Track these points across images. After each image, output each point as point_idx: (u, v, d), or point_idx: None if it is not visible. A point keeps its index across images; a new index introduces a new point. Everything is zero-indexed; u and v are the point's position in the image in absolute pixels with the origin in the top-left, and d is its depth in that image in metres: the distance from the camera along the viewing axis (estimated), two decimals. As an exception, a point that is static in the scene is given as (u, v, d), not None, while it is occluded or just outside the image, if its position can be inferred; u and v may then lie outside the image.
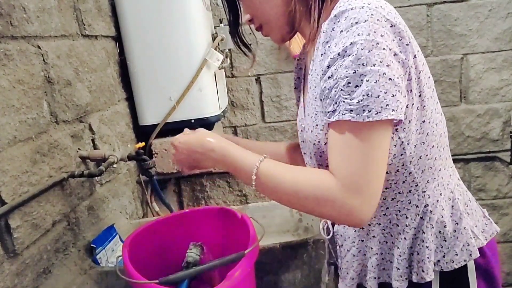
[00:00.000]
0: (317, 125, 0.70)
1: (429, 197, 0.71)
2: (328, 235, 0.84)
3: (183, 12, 1.39)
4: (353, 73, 0.59)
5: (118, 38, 1.44)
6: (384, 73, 0.59)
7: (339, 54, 0.61)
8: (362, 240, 0.77)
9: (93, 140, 1.17)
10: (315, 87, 0.70)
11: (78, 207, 1.06)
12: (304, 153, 0.83)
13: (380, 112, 0.59)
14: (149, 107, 1.47)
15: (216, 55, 1.44)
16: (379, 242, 0.75)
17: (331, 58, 0.62)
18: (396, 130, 0.65)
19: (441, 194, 0.72)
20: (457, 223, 0.72)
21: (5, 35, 0.84)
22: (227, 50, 1.61)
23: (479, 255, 0.72)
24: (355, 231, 0.78)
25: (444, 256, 0.72)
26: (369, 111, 0.59)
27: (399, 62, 0.61)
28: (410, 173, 0.69)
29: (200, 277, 0.88)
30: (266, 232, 0.85)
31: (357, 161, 0.61)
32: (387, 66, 0.59)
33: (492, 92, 1.85)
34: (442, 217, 0.72)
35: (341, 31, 0.61)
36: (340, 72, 0.61)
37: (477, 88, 1.85)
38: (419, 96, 0.66)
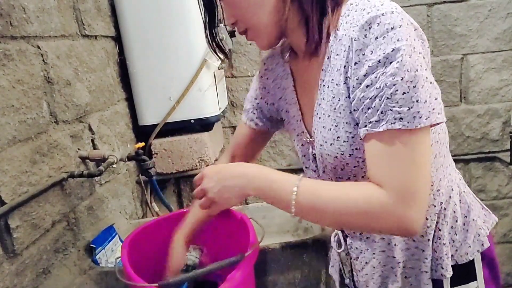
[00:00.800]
0: (338, 137, 0.67)
1: (443, 194, 0.72)
2: (339, 248, 0.82)
3: (183, 12, 1.39)
4: (401, 80, 0.57)
5: (117, 38, 1.44)
6: (426, 77, 0.59)
7: (379, 62, 0.58)
8: (384, 251, 0.75)
9: (92, 140, 1.17)
10: (333, 97, 0.67)
11: (78, 207, 1.06)
12: (305, 168, 0.81)
13: (429, 117, 0.58)
14: (149, 107, 1.47)
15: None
16: (401, 250, 0.74)
17: (369, 66, 0.60)
18: None
19: (452, 190, 0.73)
20: (466, 216, 0.74)
21: (5, 35, 0.84)
22: (227, 50, 1.61)
23: (489, 244, 0.74)
24: (375, 241, 0.75)
25: (457, 250, 0.73)
26: (420, 117, 0.58)
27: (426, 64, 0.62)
28: None
29: (200, 279, 0.88)
30: (266, 232, 0.85)
31: (409, 170, 0.59)
32: (426, 70, 0.59)
33: (492, 92, 1.85)
34: (454, 212, 0.73)
35: (376, 37, 0.59)
36: (384, 80, 0.58)
37: (477, 88, 1.85)
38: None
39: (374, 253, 0.76)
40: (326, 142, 0.70)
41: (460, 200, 0.74)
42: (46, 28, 0.99)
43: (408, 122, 0.58)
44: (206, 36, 0.81)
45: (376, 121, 0.60)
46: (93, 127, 1.17)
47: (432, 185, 0.70)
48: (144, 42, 1.41)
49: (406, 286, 0.76)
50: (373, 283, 0.78)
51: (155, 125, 1.47)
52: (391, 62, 0.58)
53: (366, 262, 0.78)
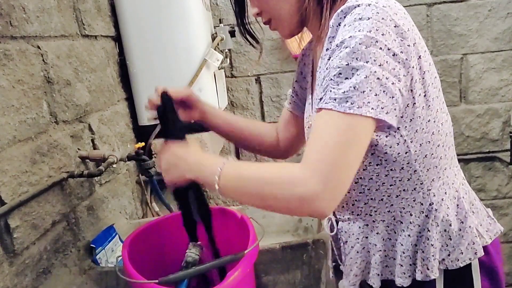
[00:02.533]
0: None
1: (434, 195, 0.72)
2: (332, 231, 0.84)
3: (183, 12, 1.39)
4: (346, 65, 0.60)
5: (117, 38, 1.44)
6: (375, 72, 0.59)
7: (337, 46, 0.62)
8: (366, 237, 0.77)
9: (92, 140, 1.17)
10: (321, 84, 0.70)
11: (78, 207, 1.06)
12: None
13: (361, 107, 0.59)
14: (149, 107, 1.47)
15: (215, 55, 1.44)
16: (383, 239, 0.76)
17: (331, 50, 0.64)
18: (398, 128, 0.66)
19: (446, 193, 0.73)
20: (462, 222, 0.73)
21: (5, 35, 0.84)
22: (226, 50, 1.62)
23: (484, 253, 0.73)
24: (359, 227, 0.78)
25: (449, 255, 0.72)
26: (351, 103, 0.59)
27: (399, 62, 0.62)
28: (415, 171, 0.70)
29: (200, 277, 0.88)
30: (266, 232, 0.85)
31: (329, 149, 0.60)
32: (379, 65, 0.60)
33: (491, 92, 1.86)
34: (448, 215, 0.72)
35: (345, 25, 0.62)
36: (334, 61, 0.62)
37: (476, 88, 1.85)
38: (424, 96, 0.67)
39: (358, 238, 0.78)
40: None
41: (457, 205, 0.73)
42: (46, 28, 0.99)
43: (339, 104, 0.60)
44: (238, 25, 0.86)
45: (320, 99, 0.64)
46: (93, 127, 1.17)
47: (421, 184, 0.71)
48: (144, 42, 1.41)
49: (386, 275, 0.77)
50: (356, 268, 0.79)
51: (155, 125, 1.47)
52: (345, 48, 0.60)
53: (352, 247, 0.79)
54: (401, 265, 0.74)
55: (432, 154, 0.70)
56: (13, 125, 0.83)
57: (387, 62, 0.60)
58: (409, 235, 0.73)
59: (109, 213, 1.23)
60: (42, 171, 0.91)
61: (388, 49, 0.60)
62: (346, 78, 0.60)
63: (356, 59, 0.59)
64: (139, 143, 1.25)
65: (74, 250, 1.02)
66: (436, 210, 0.72)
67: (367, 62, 0.59)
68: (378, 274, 0.77)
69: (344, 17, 0.63)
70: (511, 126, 1.87)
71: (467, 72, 1.84)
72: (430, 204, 0.72)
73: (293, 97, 0.96)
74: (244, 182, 0.67)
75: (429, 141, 0.69)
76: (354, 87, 0.59)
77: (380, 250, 0.76)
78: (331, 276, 0.90)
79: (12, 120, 0.83)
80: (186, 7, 1.39)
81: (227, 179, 0.67)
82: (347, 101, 0.59)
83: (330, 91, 0.61)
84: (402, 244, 0.74)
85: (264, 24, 0.81)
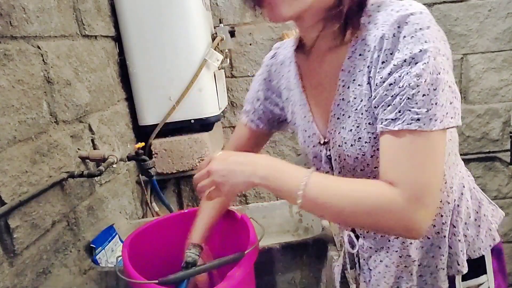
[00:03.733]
0: (360, 138, 0.67)
1: (456, 191, 0.73)
2: (353, 248, 0.82)
3: (183, 12, 1.39)
4: (424, 82, 0.58)
5: (117, 38, 1.44)
6: (447, 81, 0.59)
7: (405, 61, 0.59)
8: (398, 250, 0.75)
9: (92, 140, 1.17)
10: (355, 98, 0.67)
11: (78, 207, 1.06)
12: (316, 169, 0.79)
13: (443, 121, 0.59)
14: (149, 107, 1.47)
15: (215, 55, 1.44)
16: (416, 248, 0.74)
17: (394, 65, 0.60)
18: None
19: (464, 187, 0.74)
20: (477, 212, 0.75)
21: (5, 35, 0.84)
22: (226, 50, 1.61)
23: (499, 238, 0.75)
24: (389, 241, 0.75)
25: (469, 245, 0.74)
26: (435, 120, 0.58)
27: (449, 66, 0.62)
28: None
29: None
30: (266, 232, 0.85)
31: (422, 170, 0.59)
32: (448, 73, 0.60)
33: (492, 92, 1.86)
34: (467, 208, 0.74)
35: (404, 36, 0.59)
36: (408, 79, 0.58)
37: (477, 88, 1.85)
38: None
39: (388, 252, 0.76)
40: (345, 143, 0.69)
41: (471, 197, 0.75)
42: (46, 28, 0.99)
43: (424, 124, 0.58)
44: None
45: (392, 119, 0.60)
46: (93, 127, 1.17)
47: (445, 183, 0.71)
48: (144, 42, 1.41)
49: (421, 285, 0.76)
50: (385, 283, 0.77)
51: (155, 125, 1.47)
52: (416, 63, 0.58)
53: (381, 261, 0.77)
54: (443, 269, 0.73)
55: (452, 151, 0.72)
56: (13, 125, 0.83)
57: (449, 68, 0.61)
58: (444, 236, 0.72)
59: (109, 213, 1.23)
60: (42, 171, 0.91)
61: (443, 55, 0.60)
62: (424, 95, 0.58)
63: (431, 73, 0.58)
64: (139, 143, 1.25)
65: (74, 250, 1.02)
66: (458, 205, 0.73)
67: (439, 73, 0.58)
68: (415, 285, 0.75)
69: (399, 27, 0.60)
70: (511, 126, 1.87)
71: (467, 72, 1.84)
72: (454, 201, 0.72)
73: (255, 115, 0.91)
74: (332, 203, 0.62)
75: (450, 139, 0.70)
76: (435, 103, 0.58)
77: (415, 260, 0.74)
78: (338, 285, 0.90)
79: (12, 120, 0.83)
80: (186, 7, 1.39)
81: (313, 192, 0.62)
82: (431, 119, 0.58)
83: (409, 110, 0.59)
84: (440, 247, 0.73)
85: None
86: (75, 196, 1.05)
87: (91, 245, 1.08)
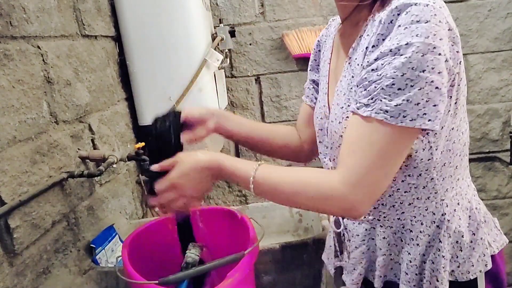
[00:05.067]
0: (348, 116, 0.67)
1: (447, 205, 0.70)
2: (338, 228, 0.83)
3: (183, 12, 1.39)
4: (401, 75, 0.57)
5: (117, 38, 1.44)
6: (432, 81, 0.57)
7: (391, 51, 0.58)
8: (373, 239, 0.76)
9: (92, 140, 1.17)
10: (352, 77, 0.67)
11: (78, 207, 1.06)
12: (319, 142, 0.81)
13: (415, 120, 0.58)
14: (149, 107, 1.47)
15: (215, 55, 1.44)
16: (388, 244, 0.74)
17: (381, 52, 0.59)
18: (427, 134, 0.64)
19: (458, 204, 0.71)
20: (474, 234, 0.72)
21: (5, 35, 0.84)
22: (226, 50, 1.61)
23: (492, 264, 0.72)
24: (366, 229, 0.77)
25: (459, 266, 0.71)
26: (404, 117, 0.58)
27: (447, 68, 0.60)
28: (432, 179, 0.68)
29: (200, 277, 0.88)
30: (266, 232, 0.85)
31: (370, 158, 0.60)
32: (438, 73, 0.57)
33: (491, 92, 1.86)
34: (460, 226, 0.70)
35: (399, 25, 0.58)
36: (387, 70, 0.58)
37: (476, 88, 1.85)
38: (455, 103, 0.65)
39: (363, 240, 0.77)
40: (336, 119, 0.71)
41: (470, 217, 0.72)
42: (46, 28, 0.99)
43: (391, 117, 0.58)
44: None
45: (365, 104, 0.61)
46: (93, 127, 1.17)
47: (436, 193, 0.70)
48: (144, 42, 1.41)
49: (391, 277, 0.76)
50: (361, 267, 0.78)
51: (155, 125, 1.47)
52: (400, 55, 0.57)
53: (356, 247, 0.79)
54: (407, 273, 0.73)
55: (450, 163, 0.69)
56: (13, 125, 0.83)
57: (443, 69, 0.58)
58: (417, 244, 0.71)
59: (109, 213, 1.23)
60: (42, 171, 0.91)
61: (444, 55, 0.58)
62: (400, 89, 0.57)
63: (412, 69, 0.56)
64: (139, 143, 1.25)
65: (74, 250, 1.02)
66: (448, 220, 0.70)
67: (423, 71, 0.56)
68: (381, 276, 0.76)
69: (398, 14, 0.58)
70: (511, 126, 1.87)
71: (467, 72, 1.84)
72: (442, 215, 0.70)
73: (310, 89, 0.92)
74: (280, 185, 0.68)
75: (450, 150, 0.68)
76: (408, 100, 0.57)
77: (385, 254, 0.75)
78: (333, 272, 0.90)
79: (12, 120, 0.83)
80: (186, 7, 1.39)
81: (262, 178, 0.69)
82: (399, 114, 0.58)
83: (381, 100, 0.59)
84: (409, 253, 0.72)
85: None
86: (75, 196, 1.05)
87: (91, 245, 1.08)
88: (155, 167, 0.75)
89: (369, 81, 0.61)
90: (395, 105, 0.58)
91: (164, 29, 1.40)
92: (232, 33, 1.59)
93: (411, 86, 0.57)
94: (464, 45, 1.81)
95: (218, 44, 1.51)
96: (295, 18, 1.76)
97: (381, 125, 0.59)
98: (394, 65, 0.57)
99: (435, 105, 0.58)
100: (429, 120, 0.58)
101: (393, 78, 0.58)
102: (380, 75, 0.59)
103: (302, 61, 1.79)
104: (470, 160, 1.92)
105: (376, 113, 0.59)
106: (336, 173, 0.64)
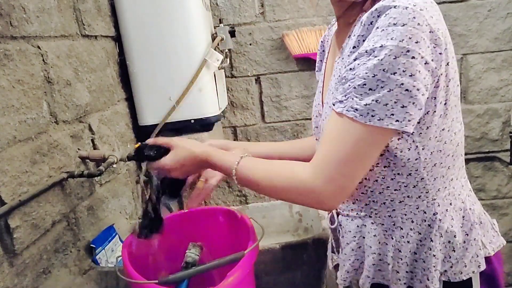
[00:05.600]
0: None
1: (439, 205, 0.71)
2: (332, 224, 0.84)
3: (183, 12, 1.39)
4: (372, 76, 0.59)
5: (117, 38, 1.44)
6: (402, 84, 0.58)
7: (366, 52, 0.60)
8: (363, 237, 0.77)
9: (92, 140, 1.17)
10: (339, 76, 0.68)
11: (78, 207, 1.06)
12: (316, 139, 0.84)
13: (382, 119, 0.59)
14: (149, 107, 1.47)
15: (215, 55, 1.44)
16: (379, 242, 0.74)
17: (359, 52, 0.62)
18: (412, 133, 0.65)
19: (451, 204, 0.72)
20: (467, 234, 0.72)
21: (5, 35, 0.84)
22: (226, 50, 1.61)
23: (485, 266, 0.72)
24: (357, 226, 0.77)
25: (451, 267, 0.71)
26: (372, 116, 0.60)
27: (428, 71, 0.60)
28: (422, 178, 0.69)
29: (200, 277, 0.88)
30: (266, 232, 0.85)
31: (342, 154, 0.63)
32: (410, 76, 0.58)
33: (491, 92, 1.86)
34: (452, 226, 0.71)
35: (377, 27, 0.59)
36: (361, 70, 0.60)
37: (476, 88, 1.85)
38: (444, 104, 0.65)
39: (354, 236, 0.78)
40: (326, 118, 0.73)
41: (463, 217, 0.72)
42: (46, 28, 0.99)
43: (360, 115, 0.60)
44: None
45: (340, 101, 0.64)
46: (93, 127, 1.17)
47: (427, 192, 0.70)
48: (144, 42, 1.41)
49: (379, 279, 0.77)
50: (349, 265, 0.79)
51: (155, 125, 1.47)
52: (374, 57, 0.59)
53: (347, 243, 0.80)
54: (397, 272, 0.73)
55: (442, 163, 0.69)
56: (13, 125, 0.83)
57: (419, 71, 0.58)
58: (408, 242, 0.72)
59: (109, 213, 1.23)
60: (42, 171, 0.91)
61: (422, 58, 0.58)
62: (370, 89, 0.59)
63: (383, 70, 0.58)
64: (139, 143, 1.25)
65: (74, 250, 1.02)
66: (440, 220, 0.70)
67: (394, 73, 0.58)
68: (369, 276, 0.76)
69: (378, 16, 0.60)
70: (511, 126, 1.87)
71: (467, 72, 1.84)
72: (434, 214, 0.70)
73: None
74: (259, 177, 0.72)
75: (440, 150, 0.68)
76: (376, 101, 0.59)
77: (375, 253, 0.75)
78: (331, 267, 0.90)
79: (12, 120, 0.83)
80: (186, 7, 1.39)
81: (243, 171, 0.73)
82: (368, 113, 0.60)
83: (352, 99, 0.61)
84: (400, 251, 0.73)
85: None
86: (75, 196, 1.05)
87: (91, 245, 1.08)
88: (149, 141, 0.87)
89: (345, 79, 0.64)
90: (364, 104, 0.60)
91: (164, 29, 1.40)
92: (232, 33, 1.59)
93: (381, 87, 0.59)
94: (464, 45, 1.81)
95: (218, 44, 1.51)
96: (295, 18, 1.76)
97: (352, 122, 0.62)
98: (367, 66, 0.59)
99: (403, 107, 0.59)
100: (397, 120, 0.60)
101: (364, 79, 0.60)
102: (354, 74, 0.62)
103: (302, 61, 1.79)
104: (470, 160, 1.92)
105: (347, 110, 0.62)
106: (308, 166, 0.66)
